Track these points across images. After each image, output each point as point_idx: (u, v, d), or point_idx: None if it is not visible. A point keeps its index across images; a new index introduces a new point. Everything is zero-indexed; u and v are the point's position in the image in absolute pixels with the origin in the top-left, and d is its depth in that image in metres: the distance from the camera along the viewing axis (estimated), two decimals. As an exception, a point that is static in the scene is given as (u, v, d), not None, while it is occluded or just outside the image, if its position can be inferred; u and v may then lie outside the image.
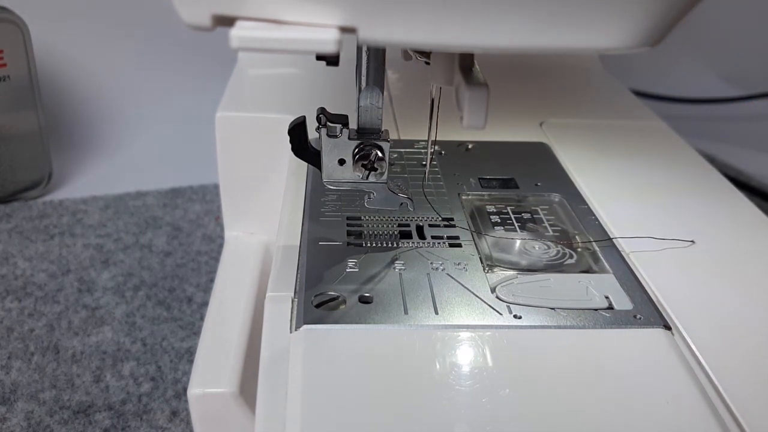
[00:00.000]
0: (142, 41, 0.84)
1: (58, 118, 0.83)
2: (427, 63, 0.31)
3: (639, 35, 0.24)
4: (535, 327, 0.30)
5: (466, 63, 0.29)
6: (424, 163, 0.44)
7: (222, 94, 0.53)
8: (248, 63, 0.60)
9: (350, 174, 0.34)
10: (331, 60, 0.28)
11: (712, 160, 0.74)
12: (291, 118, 0.33)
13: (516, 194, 0.41)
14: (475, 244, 0.36)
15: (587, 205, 0.40)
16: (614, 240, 0.36)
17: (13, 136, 0.70)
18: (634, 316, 0.31)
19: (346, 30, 0.23)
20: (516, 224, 0.38)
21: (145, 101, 0.86)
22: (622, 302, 0.31)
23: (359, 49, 0.32)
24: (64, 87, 0.83)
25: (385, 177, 0.34)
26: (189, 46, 0.84)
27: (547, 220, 0.39)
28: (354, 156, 0.34)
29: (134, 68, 0.85)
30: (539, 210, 0.40)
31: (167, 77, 0.86)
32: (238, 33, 0.23)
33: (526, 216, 0.39)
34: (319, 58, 0.27)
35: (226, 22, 0.24)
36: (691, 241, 0.37)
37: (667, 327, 0.30)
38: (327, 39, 0.23)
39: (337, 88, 0.51)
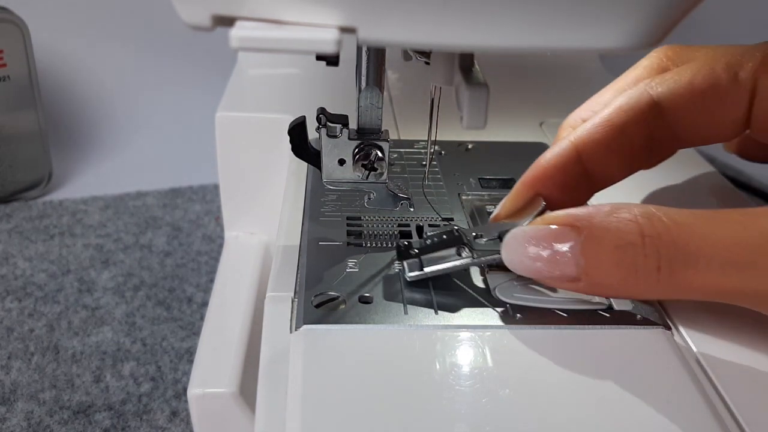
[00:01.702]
0: (142, 41, 0.84)
1: (58, 118, 0.83)
2: (427, 63, 0.31)
3: (639, 35, 0.24)
4: (535, 327, 0.30)
5: (466, 63, 0.29)
6: (424, 163, 0.44)
7: (222, 94, 0.53)
8: (248, 63, 0.60)
9: (350, 174, 0.34)
10: (331, 60, 0.28)
11: (712, 161, 0.74)
12: (291, 118, 0.33)
13: (516, 194, 0.41)
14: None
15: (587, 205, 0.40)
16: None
17: (13, 136, 0.70)
18: (634, 316, 0.31)
19: (345, 30, 0.23)
20: (516, 224, 0.38)
21: (145, 101, 0.86)
22: (622, 302, 0.31)
23: (359, 50, 0.32)
24: (64, 87, 0.83)
25: (385, 177, 0.34)
26: (189, 46, 0.84)
27: (547, 220, 0.39)
28: (354, 156, 0.34)
29: (134, 68, 0.85)
30: (539, 210, 0.40)
31: (167, 77, 0.86)
32: (238, 33, 0.23)
33: (526, 216, 0.39)
34: (319, 58, 0.27)
35: (225, 22, 0.24)
36: (691, 241, 0.37)
37: (667, 327, 0.30)
38: (327, 39, 0.23)
39: (337, 88, 0.51)
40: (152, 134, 0.84)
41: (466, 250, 0.31)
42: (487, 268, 0.33)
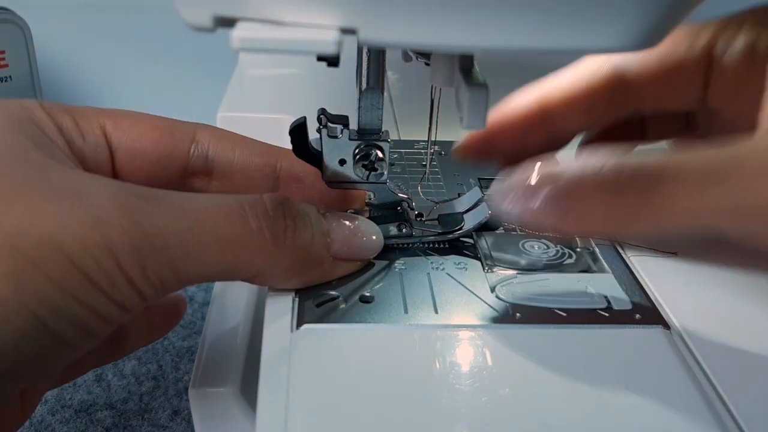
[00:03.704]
0: (143, 42, 0.84)
1: (60, 119, 0.83)
2: (427, 64, 0.31)
3: (638, 36, 0.24)
4: (534, 327, 0.30)
5: (465, 64, 0.30)
6: (424, 163, 0.44)
7: (223, 94, 0.53)
8: (249, 64, 0.60)
9: (351, 174, 0.34)
10: (332, 61, 0.29)
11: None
12: (292, 119, 0.33)
13: (516, 194, 0.41)
14: (475, 243, 0.36)
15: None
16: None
17: (15, 137, 0.70)
18: (634, 316, 0.31)
19: (346, 31, 0.24)
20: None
21: (146, 102, 0.86)
22: (621, 302, 0.32)
23: (359, 50, 0.32)
24: (65, 88, 0.84)
25: (385, 177, 0.34)
26: (190, 47, 0.84)
27: (547, 220, 0.39)
28: (354, 156, 0.34)
29: (135, 69, 0.85)
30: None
31: (169, 78, 0.86)
32: (239, 34, 0.23)
33: (526, 216, 0.39)
34: (320, 59, 0.28)
35: (227, 23, 0.24)
36: (691, 241, 0.37)
37: (667, 327, 0.30)
38: (327, 40, 0.23)
39: (337, 89, 0.51)
40: (153, 134, 0.84)
41: (407, 226, 0.35)
42: (427, 245, 0.36)
